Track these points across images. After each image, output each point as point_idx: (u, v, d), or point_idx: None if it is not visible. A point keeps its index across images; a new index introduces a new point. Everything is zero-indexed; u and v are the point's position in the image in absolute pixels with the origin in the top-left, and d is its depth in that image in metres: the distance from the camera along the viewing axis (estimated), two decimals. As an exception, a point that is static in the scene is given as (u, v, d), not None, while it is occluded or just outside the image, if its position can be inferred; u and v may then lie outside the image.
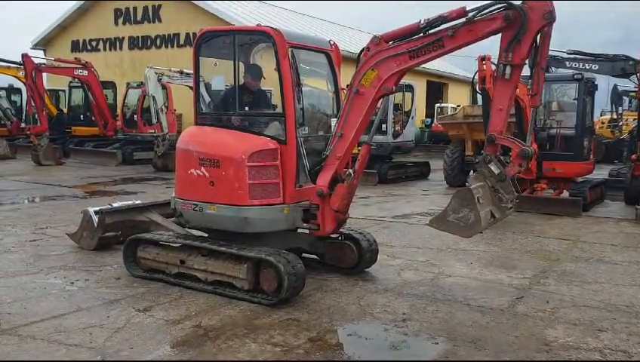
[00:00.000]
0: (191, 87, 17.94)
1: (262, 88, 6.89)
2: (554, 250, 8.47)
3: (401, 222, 10.57)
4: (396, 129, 17.10)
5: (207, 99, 6.72)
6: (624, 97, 23.31)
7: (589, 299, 6.19)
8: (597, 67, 12.29)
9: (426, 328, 5.23)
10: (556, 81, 13.39)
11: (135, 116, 20.78)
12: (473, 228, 4.92)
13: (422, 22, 5.44)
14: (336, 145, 5.94)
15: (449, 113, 30.39)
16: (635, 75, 11.90)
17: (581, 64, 12.49)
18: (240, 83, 6.44)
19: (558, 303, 6.01)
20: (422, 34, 5.46)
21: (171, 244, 6.48)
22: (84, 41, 28.28)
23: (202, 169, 6.06)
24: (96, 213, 6.99)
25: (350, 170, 5.98)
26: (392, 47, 5.61)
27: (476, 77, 11.22)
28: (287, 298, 5.62)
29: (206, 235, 6.53)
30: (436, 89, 36.84)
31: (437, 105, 33.13)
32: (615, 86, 20.50)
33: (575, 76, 12.38)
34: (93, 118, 21.54)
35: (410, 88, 18.09)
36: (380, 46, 5.65)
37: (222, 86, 6.47)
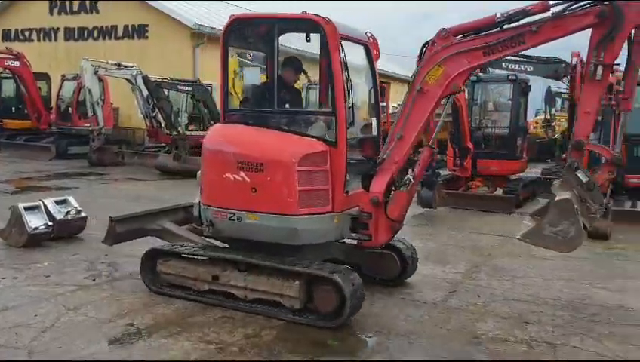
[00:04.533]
0: (128, 80, 17.56)
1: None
2: (487, 245, 8.58)
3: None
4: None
5: (239, 94, 5.99)
6: (557, 98, 24.14)
7: (519, 293, 6.39)
8: (532, 69, 12.51)
9: (361, 322, 5.25)
10: (491, 82, 13.75)
11: (70, 109, 19.67)
12: (573, 243, 4.53)
13: (498, 15, 4.99)
14: (394, 148, 5.39)
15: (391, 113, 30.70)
16: (566, 78, 12.18)
17: (517, 65, 12.70)
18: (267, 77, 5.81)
19: (489, 297, 6.19)
20: (498, 28, 5.00)
21: (198, 257, 5.75)
22: (17, 30, 26.16)
23: (241, 173, 5.35)
24: (111, 220, 6.12)
25: (409, 176, 5.45)
26: (462, 41, 5.12)
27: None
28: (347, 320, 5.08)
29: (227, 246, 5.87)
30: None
31: (382, 103, 33.02)
32: (549, 88, 21.12)
33: (510, 77, 12.63)
34: (25, 111, 20.17)
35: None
36: (448, 40, 5.15)
37: (256, 80, 5.77)
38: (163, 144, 17.93)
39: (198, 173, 6.01)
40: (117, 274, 6.49)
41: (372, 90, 6.26)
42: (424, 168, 5.59)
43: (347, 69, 5.51)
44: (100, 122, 17.05)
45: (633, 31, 4.65)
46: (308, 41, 5.87)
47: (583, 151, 4.82)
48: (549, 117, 23.50)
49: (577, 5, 4.71)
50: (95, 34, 24.11)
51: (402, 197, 5.42)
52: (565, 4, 4.73)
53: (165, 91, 17.43)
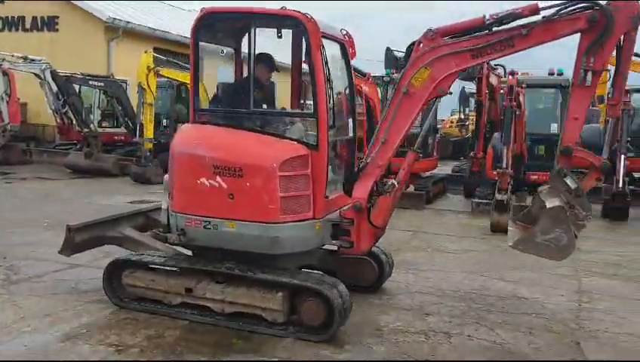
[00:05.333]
0: (37, 75, 16.58)
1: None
2: (396, 240, 8.60)
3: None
4: None
5: (209, 93, 5.62)
6: (470, 99, 25.09)
7: (422, 285, 6.60)
8: None
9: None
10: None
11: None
12: (566, 251, 4.50)
13: (487, 17, 4.88)
14: (378, 151, 5.20)
15: None
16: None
17: None
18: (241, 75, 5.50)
19: (394, 290, 6.30)
20: (487, 30, 4.89)
21: (167, 268, 5.37)
22: None
23: (218, 178, 5.01)
24: (69, 229, 5.61)
25: (393, 181, 5.28)
26: (449, 43, 4.98)
27: None
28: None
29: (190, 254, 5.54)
30: None
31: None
32: (463, 88, 21.82)
33: None
34: None
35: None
36: (436, 41, 4.99)
37: (230, 78, 5.42)
38: (74, 141, 17.29)
39: (166, 176, 5.62)
40: (15, 278, 6.24)
41: (348, 90, 6.04)
42: (409, 172, 5.43)
43: (328, 69, 5.26)
44: (4, 118, 16.37)
45: (622, 37, 4.64)
46: (279, 37, 5.59)
47: (572, 157, 4.79)
48: (462, 116, 24.29)
49: (568, 9, 4.65)
50: (0, 25, 22.63)
51: (387, 202, 5.24)
52: (556, 8, 4.67)
53: (76, 87, 16.78)
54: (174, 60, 16.49)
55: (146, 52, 14.81)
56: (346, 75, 5.97)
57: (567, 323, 5.58)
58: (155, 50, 17.86)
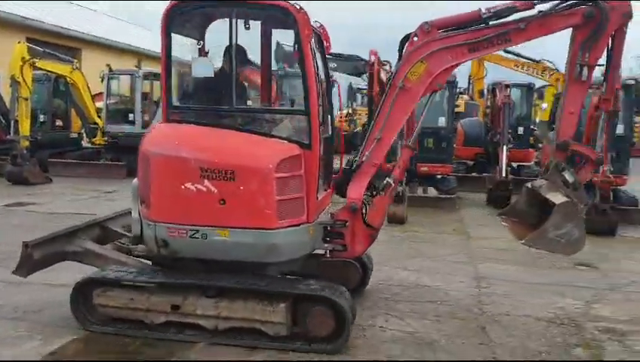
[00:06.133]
0: None
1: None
2: None
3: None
4: (145, 119, 16.23)
5: (184, 89, 5.11)
6: (357, 94, 25.82)
7: None
8: (335, 65, 13.10)
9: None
10: (294, 78, 13.73)
11: None
12: (577, 245, 4.53)
13: (483, 11, 4.80)
14: (373, 150, 4.97)
15: None
16: (365, 74, 12.96)
17: None
18: (219, 69, 5.07)
19: None
20: (483, 24, 4.81)
21: (145, 285, 4.82)
22: None
23: (206, 183, 4.56)
24: (26, 246, 4.86)
25: (388, 179, 5.08)
26: (446, 37, 4.85)
27: None
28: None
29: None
30: None
31: None
32: (350, 84, 22.38)
33: None
34: None
35: (157, 76, 17.45)
36: (431, 35, 4.85)
37: (208, 72, 4.95)
38: None
39: (134, 181, 5.06)
40: None
41: (325, 85, 5.74)
42: (404, 170, 5.26)
43: (317, 62, 4.97)
44: None
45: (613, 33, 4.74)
46: (247, 28, 5.22)
47: (568, 151, 4.85)
48: (350, 111, 24.93)
49: (564, 5, 4.68)
50: None
51: (384, 202, 5.05)
52: (552, 3, 4.69)
53: None
54: (51, 51, 15.31)
55: (19, 42, 13.68)
56: (322, 69, 5.68)
57: (471, 308, 5.78)
58: (29, 40, 16.58)
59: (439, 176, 12.58)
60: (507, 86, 13.97)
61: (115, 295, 4.75)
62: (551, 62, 15.47)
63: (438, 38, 4.84)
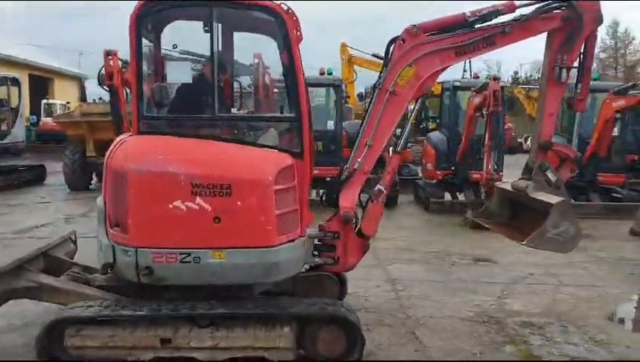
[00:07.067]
0: None
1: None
2: None
3: (25, 237, 8.95)
4: (2, 128, 15.56)
5: (158, 96, 4.57)
6: None
7: None
8: None
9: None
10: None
11: None
12: (574, 241, 4.61)
13: (468, 14, 4.78)
14: (365, 157, 4.76)
15: (58, 110, 28.81)
16: None
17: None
18: (199, 74, 4.63)
19: None
20: (469, 27, 4.80)
21: (127, 319, 4.23)
22: None
23: (198, 200, 4.10)
24: None
25: (379, 186, 4.89)
26: (433, 40, 4.76)
27: (103, 72, 10.57)
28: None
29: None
30: (39, 84, 32.73)
31: (44, 101, 30.41)
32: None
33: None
34: None
35: (16, 82, 16.90)
36: (419, 38, 4.74)
37: (186, 77, 4.47)
38: None
39: (99, 202, 4.47)
40: None
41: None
42: (394, 176, 5.10)
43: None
44: None
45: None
46: (207, 31, 4.83)
47: (549, 151, 4.97)
48: None
49: (544, 8, 4.79)
50: None
51: (378, 210, 4.86)
52: (535, 6, 4.78)
53: None
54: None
55: None
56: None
57: (395, 313, 5.80)
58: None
59: (329, 179, 12.63)
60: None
61: (91, 334, 4.12)
62: None
63: (426, 41, 4.76)
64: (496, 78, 9.98)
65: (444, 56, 4.79)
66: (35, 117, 29.03)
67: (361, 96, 19.33)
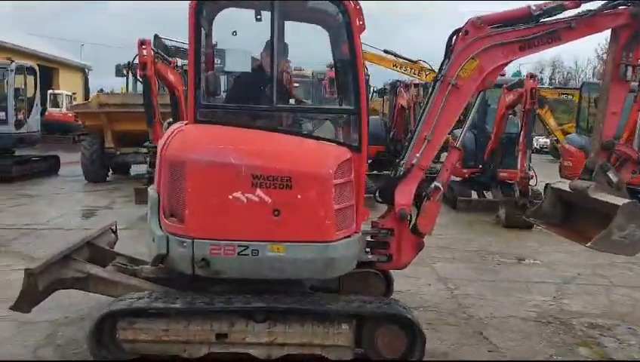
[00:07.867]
0: None
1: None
2: None
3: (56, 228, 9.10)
4: (18, 118, 15.36)
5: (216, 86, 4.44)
6: None
7: None
8: None
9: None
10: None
11: None
12: (639, 245, 4.47)
13: (533, 8, 4.64)
14: (424, 151, 4.63)
15: (64, 100, 28.58)
16: None
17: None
18: (256, 65, 4.52)
19: None
20: (534, 22, 4.65)
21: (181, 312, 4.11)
22: None
23: (259, 192, 3.98)
24: (30, 274, 3.94)
25: (436, 183, 4.76)
26: (497, 33, 4.62)
27: (136, 62, 10.53)
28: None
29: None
30: (44, 74, 32.84)
31: (50, 91, 30.30)
32: None
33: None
34: None
35: (32, 71, 16.66)
36: (483, 31, 4.60)
37: (246, 66, 4.35)
38: None
39: (151, 192, 4.35)
40: None
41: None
42: (451, 173, 4.97)
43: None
44: None
45: None
46: (258, 19, 4.70)
47: (612, 151, 4.82)
48: None
49: (611, 4, 4.64)
50: None
51: (435, 208, 4.72)
52: (599, 2, 4.63)
53: None
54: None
55: None
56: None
57: (456, 313, 5.72)
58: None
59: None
60: (416, 85, 14.20)
61: (145, 327, 4.01)
62: (427, 63, 15.93)
63: (490, 34, 4.62)
64: (532, 76, 9.78)
65: (508, 50, 4.64)
66: (42, 107, 29.09)
67: (380, 92, 19.07)
